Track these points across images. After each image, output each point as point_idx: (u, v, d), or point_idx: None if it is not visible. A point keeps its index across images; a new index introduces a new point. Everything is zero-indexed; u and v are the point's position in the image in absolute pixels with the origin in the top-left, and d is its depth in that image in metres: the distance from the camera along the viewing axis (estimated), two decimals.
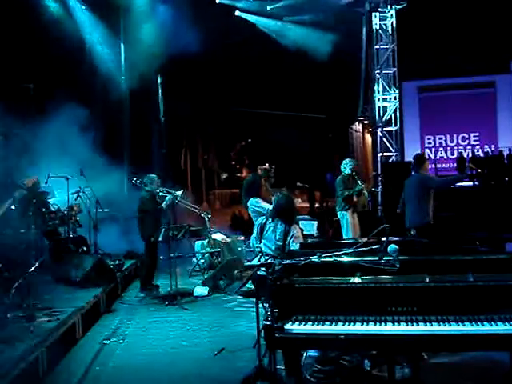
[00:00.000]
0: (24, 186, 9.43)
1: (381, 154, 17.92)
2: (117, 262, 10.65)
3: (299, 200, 13.19)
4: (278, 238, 6.66)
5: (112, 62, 15.10)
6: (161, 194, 9.93)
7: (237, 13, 17.64)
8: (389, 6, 17.33)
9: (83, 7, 14.37)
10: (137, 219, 10.07)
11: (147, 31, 14.99)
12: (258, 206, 10.88)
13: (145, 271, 10.14)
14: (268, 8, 17.44)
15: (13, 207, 9.41)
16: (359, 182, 10.86)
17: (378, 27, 17.66)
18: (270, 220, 6.82)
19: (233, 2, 17.26)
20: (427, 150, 20.59)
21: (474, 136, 20.42)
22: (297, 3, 17.11)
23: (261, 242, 6.87)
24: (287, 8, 17.45)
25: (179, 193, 10.22)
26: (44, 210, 10.29)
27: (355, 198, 10.88)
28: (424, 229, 8.57)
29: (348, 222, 10.72)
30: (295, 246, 6.60)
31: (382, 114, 17.88)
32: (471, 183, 13.14)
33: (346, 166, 10.87)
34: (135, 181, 10.16)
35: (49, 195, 10.92)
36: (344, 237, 10.64)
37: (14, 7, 11.72)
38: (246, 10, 17.63)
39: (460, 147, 20.27)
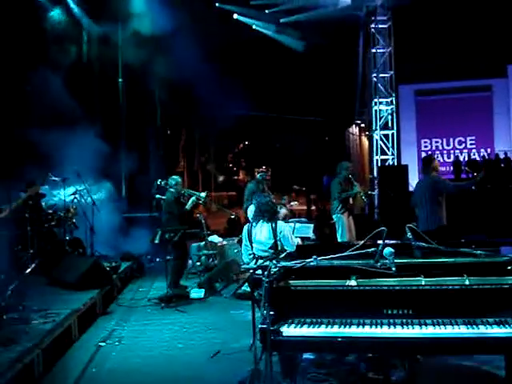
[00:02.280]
0: (25, 195, 9.47)
1: (377, 157, 17.97)
2: (113, 264, 10.65)
3: (296, 202, 13.22)
4: (268, 236, 6.75)
5: (109, 64, 15.10)
6: (186, 193, 10.08)
7: (235, 16, 17.70)
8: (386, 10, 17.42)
9: (81, 10, 14.38)
10: (162, 221, 10.14)
11: (145, 33, 14.99)
12: None
13: (176, 271, 10.12)
14: (266, 11, 17.48)
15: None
16: (355, 184, 10.86)
17: (374, 31, 17.72)
18: (255, 224, 6.91)
19: (232, 6, 17.31)
20: (423, 154, 20.59)
21: (471, 140, 20.45)
22: (294, 7, 17.16)
23: (252, 248, 6.92)
24: (284, 12, 17.51)
25: (203, 194, 10.34)
26: (39, 211, 10.28)
27: (351, 201, 10.89)
28: (437, 233, 8.41)
29: (343, 225, 10.73)
30: (287, 240, 6.69)
31: (378, 118, 17.92)
32: None
33: (342, 169, 10.87)
34: (160, 182, 10.22)
35: (44, 197, 10.91)
36: (339, 240, 10.64)
37: (11, 8, 11.72)
38: (245, 14, 17.69)
39: (456, 151, 20.30)
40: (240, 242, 9.36)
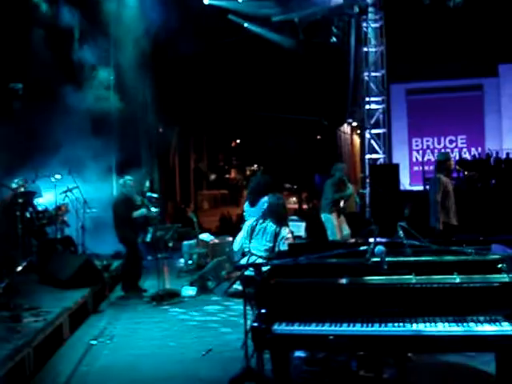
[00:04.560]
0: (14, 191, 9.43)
1: (369, 156, 18.02)
2: (104, 262, 10.64)
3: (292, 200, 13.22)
4: (268, 239, 6.68)
5: (101, 61, 15.04)
6: (138, 202, 9.93)
7: (229, 16, 17.62)
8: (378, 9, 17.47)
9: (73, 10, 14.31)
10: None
11: (137, 31, 14.94)
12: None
13: (124, 273, 10.12)
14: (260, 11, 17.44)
15: None
16: (349, 186, 10.90)
17: (366, 30, 17.75)
18: (261, 221, 6.85)
19: (224, 1, 17.23)
20: (415, 153, 20.67)
21: (462, 139, 20.50)
22: (287, 7, 17.14)
23: (250, 243, 6.88)
24: (277, 11, 17.48)
25: (155, 210, 10.25)
26: (30, 209, 10.26)
27: (342, 204, 10.88)
28: (434, 232, 8.59)
29: (333, 225, 10.73)
30: (285, 248, 6.62)
31: (370, 116, 17.96)
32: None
33: (336, 171, 10.93)
34: (121, 178, 10.12)
35: (36, 195, 10.87)
36: (330, 239, 10.64)
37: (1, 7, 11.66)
38: (236, 12, 17.63)
39: (447, 149, 20.33)
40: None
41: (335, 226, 10.72)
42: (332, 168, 11.04)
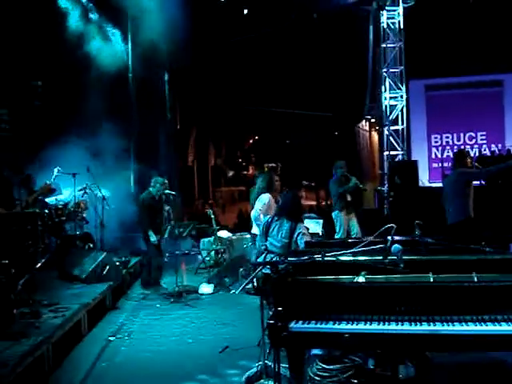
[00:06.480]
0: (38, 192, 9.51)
1: (387, 153, 17.90)
2: (123, 258, 10.70)
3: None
4: (284, 235, 6.64)
5: (120, 59, 15.10)
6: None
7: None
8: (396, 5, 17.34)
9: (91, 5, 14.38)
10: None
11: (155, 28, 14.96)
12: None
13: (145, 270, 10.23)
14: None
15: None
16: (352, 178, 10.88)
17: (385, 25, 17.64)
18: (276, 218, 6.81)
19: None
20: (434, 149, 20.50)
21: (481, 135, 20.29)
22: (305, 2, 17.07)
23: (266, 240, 6.87)
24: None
25: (167, 208, 10.84)
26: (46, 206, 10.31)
27: (349, 198, 10.83)
28: (461, 226, 8.43)
29: (342, 224, 10.68)
30: (302, 244, 6.59)
31: (388, 113, 17.85)
32: (478, 182, 13.10)
33: (337, 169, 10.95)
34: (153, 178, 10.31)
35: (55, 192, 10.93)
36: (336, 237, 10.59)
37: (23, 5, 11.74)
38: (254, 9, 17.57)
39: (467, 146, 20.16)
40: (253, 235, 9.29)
41: (342, 225, 10.68)
42: (333, 167, 11.09)
